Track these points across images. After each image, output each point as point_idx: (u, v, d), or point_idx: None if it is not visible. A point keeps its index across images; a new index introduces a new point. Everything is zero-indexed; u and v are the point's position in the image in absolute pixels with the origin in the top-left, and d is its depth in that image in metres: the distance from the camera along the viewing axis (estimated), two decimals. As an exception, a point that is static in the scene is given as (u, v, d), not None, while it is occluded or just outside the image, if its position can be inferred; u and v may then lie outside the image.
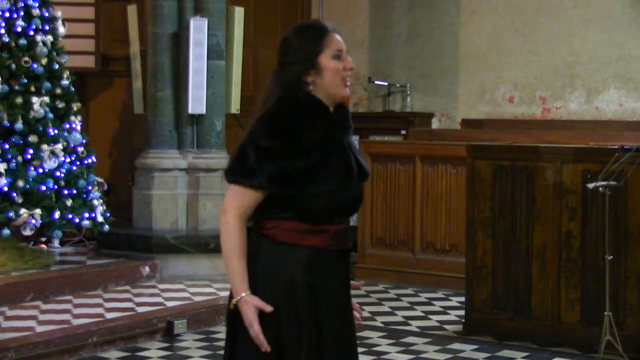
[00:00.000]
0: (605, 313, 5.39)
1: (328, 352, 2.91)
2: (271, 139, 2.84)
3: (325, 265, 2.92)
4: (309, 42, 2.90)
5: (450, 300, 7.44)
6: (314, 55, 2.89)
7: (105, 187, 8.07)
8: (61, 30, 7.33)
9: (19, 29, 6.99)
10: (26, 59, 6.97)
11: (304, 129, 2.86)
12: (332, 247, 2.93)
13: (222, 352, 3.26)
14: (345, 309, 3.01)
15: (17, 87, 6.95)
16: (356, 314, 3.10)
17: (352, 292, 3.06)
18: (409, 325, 6.64)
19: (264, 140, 2.84)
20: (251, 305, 2.83)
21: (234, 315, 2.92)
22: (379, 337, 6.27)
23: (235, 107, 8.22)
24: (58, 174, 7.02)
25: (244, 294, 2.85)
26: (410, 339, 6.23)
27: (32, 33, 7.05)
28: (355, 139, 3.11)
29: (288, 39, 2.95)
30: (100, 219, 7.29)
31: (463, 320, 6.43)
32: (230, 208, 2.88)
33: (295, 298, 2.87)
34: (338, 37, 2.94)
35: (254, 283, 2.87)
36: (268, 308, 2.83)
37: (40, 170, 6.93)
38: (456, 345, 6.07)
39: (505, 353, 5.88)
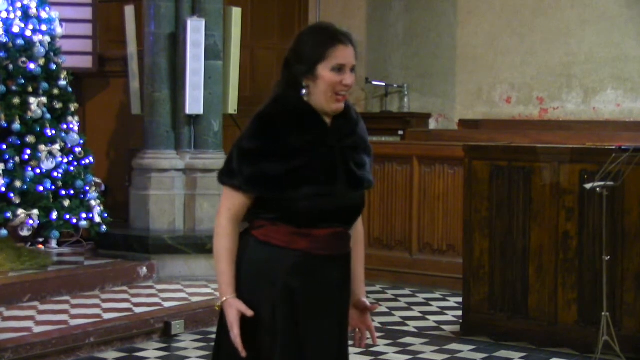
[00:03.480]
0: (603, 313, 5.39)
1: (310, 357, 2.87)
2: (253, 141, 2.83)
3: (309, 269, 2.88)
4: (314, 47, 2.84)
5: (448, 300, 7.44)
6: (314, 62, 2.83)
7: (103, 187, 8.05)
8: (58, 30, 7.32)
9: (16, 30, 6.98)
10: (23, 59, 6.96)
11: (289, 132, 2.83)
12: (319, 252, 2.89)
13: (219, 352, 3.28)
14: (333, 315, 2.95)
15: (14, 88, 6.94)
16: (368, 333, 3.10)
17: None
18: (407, 325, 6.64)
19: (246, 142, 2.84)
20: (234, 309, 2.82)
21: (220, 317, 2.92)
22: (377, 337, 6.26)
23: (232, 108, 8.22)
24: (55, 174, 7.02)
25: (228, 297, 2.84)
26: (407, 340, 6.24)
27: (29, 33, 7.04)
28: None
29: (301, 36, 2.90)
30: (97, 219, 7.28)
31: (460, 321, 6.43)
32: (222, 210, 2.89)
33: (273, 300, 2.84)
34: (346, 50, 2.85)
35: (238, 281, 2.86)
36: (249, 312, 2.81)
37: (38, 171, 6.92)
38: (453, 346, 6.07)
39: (503, 353, 5.88)
